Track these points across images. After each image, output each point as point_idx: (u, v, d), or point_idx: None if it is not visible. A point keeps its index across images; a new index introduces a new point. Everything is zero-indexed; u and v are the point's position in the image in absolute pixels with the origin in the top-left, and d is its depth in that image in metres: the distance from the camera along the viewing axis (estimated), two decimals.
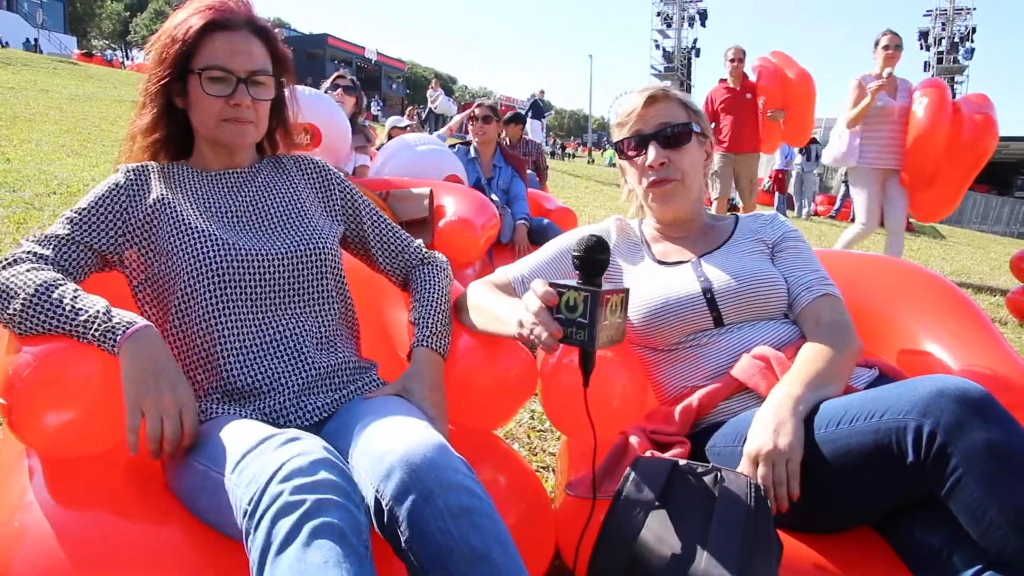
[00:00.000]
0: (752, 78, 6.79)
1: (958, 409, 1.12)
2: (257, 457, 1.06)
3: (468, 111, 4.80)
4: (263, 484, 1.00)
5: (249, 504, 1.00)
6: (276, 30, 1.51)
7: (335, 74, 4.76)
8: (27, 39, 31.31)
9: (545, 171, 6.87)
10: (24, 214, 4.37)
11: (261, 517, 0.97)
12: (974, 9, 49.57)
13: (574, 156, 30.34)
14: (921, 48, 52.15)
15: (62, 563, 1.05)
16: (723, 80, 6.77)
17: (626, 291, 1.23)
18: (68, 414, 1.16)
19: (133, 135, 1.49)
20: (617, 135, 1.69)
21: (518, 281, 1.68)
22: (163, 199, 1.41)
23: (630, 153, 1.66)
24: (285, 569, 0.92)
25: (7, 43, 24.79)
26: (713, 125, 6.59)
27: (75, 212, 1.37)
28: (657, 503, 1.22)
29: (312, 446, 1.07)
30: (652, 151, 1.61)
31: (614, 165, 27.93)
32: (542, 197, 5.20)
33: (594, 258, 1.18)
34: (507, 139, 6.24)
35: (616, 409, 1.54)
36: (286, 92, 1.56)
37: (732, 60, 6.68)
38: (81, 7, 59.46)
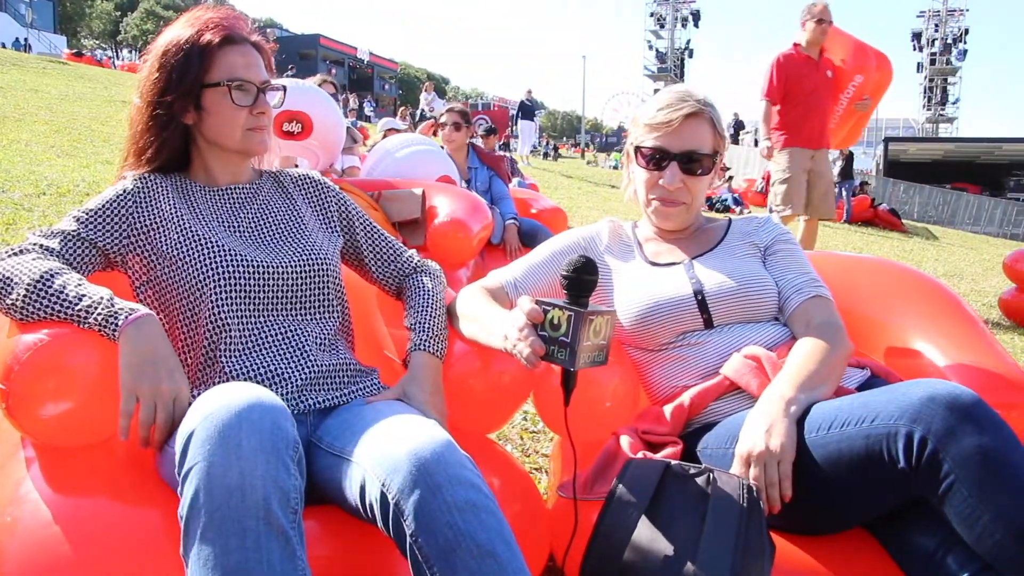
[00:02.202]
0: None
1: (949, 415, 1.12)
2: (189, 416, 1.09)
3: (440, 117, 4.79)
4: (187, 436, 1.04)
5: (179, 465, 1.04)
6: (268, 30, 1.53)
7: (319, 78, 4.75)
8: (17, 39, 31.15)
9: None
10: (13, 215, 4.34)
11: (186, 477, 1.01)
12: (967, 10, 49.92)
13: (560, 156, 30.08)
14: (914, 49, 52.58)
15: (55, 554, 1.06)
16: (797, 45, 4.94)
17: (612, 313, 1.23)
18: (66, 402, 1.17)
19: (138, 151, 1.49)
20: (640, 137, 1.63)
21: (510, 285, 1.67)
22: (171, 209, 1.44)
23: (648, 163, 1.62)
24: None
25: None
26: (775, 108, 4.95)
27: (82, 212, 1.40)
28: (650, 505, 1.22)
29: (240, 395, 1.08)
30: (671, 174, 1.59)
31: (618, 167, 27.91)
32: (532, 197, 5.19)
33: (582, 279, 1.19)
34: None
35: (608, 409, 1.54)
36: None
37: (818, 20, 4.81)
38: (71, 7, 59.18)
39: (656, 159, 1.61)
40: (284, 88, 1.53)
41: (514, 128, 21.12)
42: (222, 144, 1.48)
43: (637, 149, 1.65)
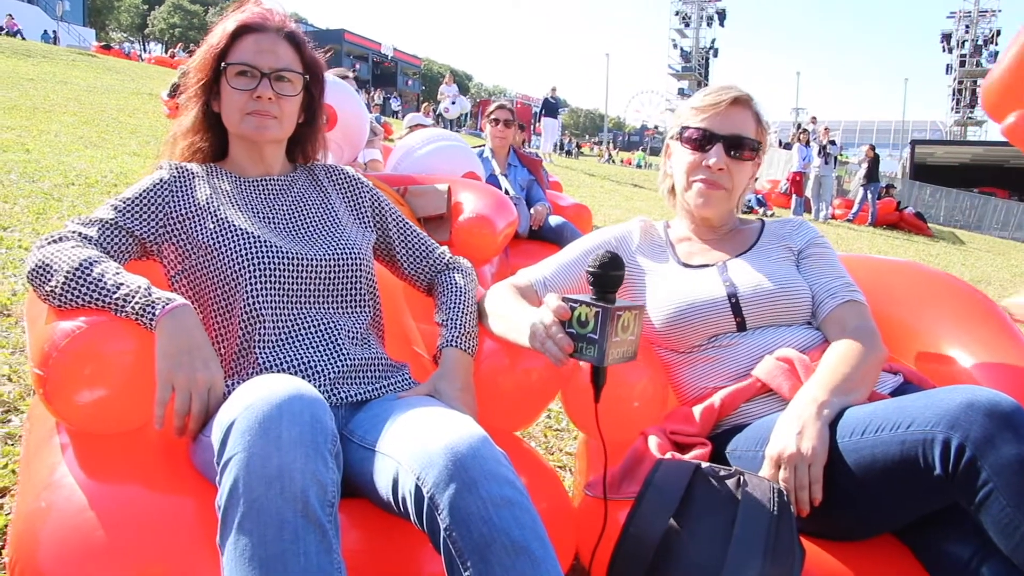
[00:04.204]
0: None
1: (988, 423, 1.09)
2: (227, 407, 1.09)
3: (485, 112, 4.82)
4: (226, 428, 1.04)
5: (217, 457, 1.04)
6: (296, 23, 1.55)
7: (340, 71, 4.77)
8: (45, 31, 31.55)
9: None
10: (43, 205, 4.40)
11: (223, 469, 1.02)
12: (999, 11, 49.08)
13: (582, 154, 29.84)
14: (944, 51, 51.95)
15: (89, 539, 1.07)
16: None
17: (640, 308, 1.23)
18: (102, 389, 1.19)
19: (175, 137, 1.56)
20: (687, 120, 1.65)
21: (540, 283, 1.67)
22: (206, 198, 1.46)
23: (693, 145, 1.63)
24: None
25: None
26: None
27: (119, 200, 1.42)
28: (679, 507, 1.21)
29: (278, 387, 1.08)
30: (715, 155, 1.59)
31: (641, 166, 27.81)
32: (555, 195, 5.19)
33: (608, 275, 1.19)
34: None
35: (636, 409, 1.53)
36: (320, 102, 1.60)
37: None
38: (100, 0, 59.90)
39: (702, 140, 1.61)
40: (306, 77, 1.53)
41: (535, 125, 21.09)
42: (231, 129, 1.52)
43: (682, 131, 1.65)
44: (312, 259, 1.44)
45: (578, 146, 32.95)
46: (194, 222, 1.43)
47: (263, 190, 1.53)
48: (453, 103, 18.64)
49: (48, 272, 1.25)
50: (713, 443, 1.48)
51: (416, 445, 1.11)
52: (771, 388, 1.46)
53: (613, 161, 29.09)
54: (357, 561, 1.13)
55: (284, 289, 1.40)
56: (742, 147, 1.60)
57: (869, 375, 1.41)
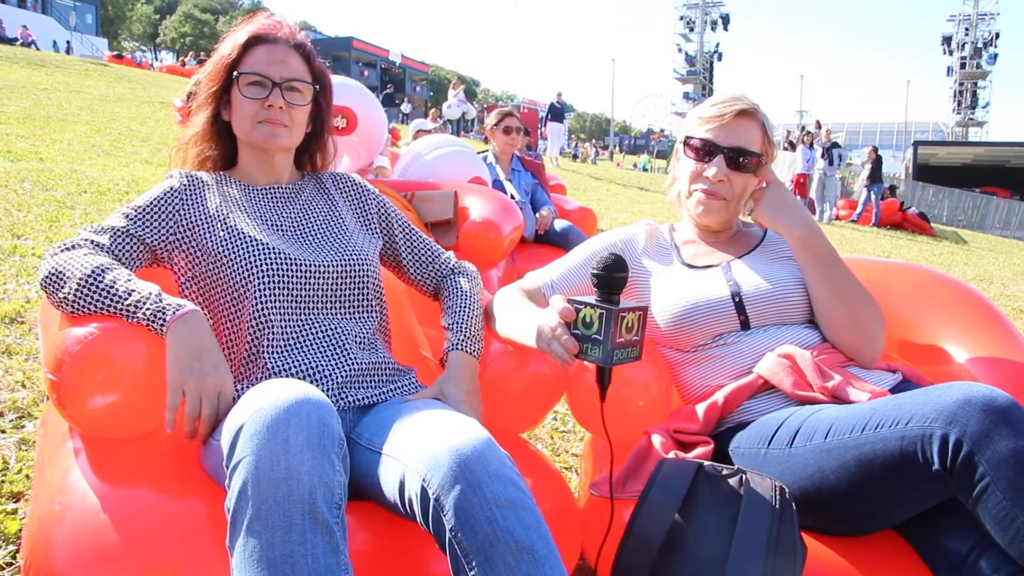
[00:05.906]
0: None
1: (984, 418, 1.11)
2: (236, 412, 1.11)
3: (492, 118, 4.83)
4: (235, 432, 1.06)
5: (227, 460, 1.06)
6: (303, 32, 1.58)
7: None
8: (55, 41, 31.80)
9: None
10: (56, 212, 4.44)
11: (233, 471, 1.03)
12: (997, 15, 49.12)
13: (577, 158, 29.63)
14: (945, 53, 52.03)
15: (102, 542, 1.08)
16: None
17: (644, 309, 1.24)
18: (114, 394, 1.20)
19: (184, 144, 1.58)
20: (691, 129, 1.67)
21: (548, 287, 1.69)
22: (216, 206, 1.48)
23: (696, 155, 1.65)
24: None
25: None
26: None
27: (131, 208, 1.45)
28: (682, 505, 1.23)
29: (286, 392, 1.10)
30: (715, 167, 1.61)
31: (647, 170, 27.78)
32: (560, 199, 5.21)
33: (612, 276, 1.21)
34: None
35: (641, 409, 1.55)
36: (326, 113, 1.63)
37: None
38: (113, 10, 60.41)
39: (704, 151, 1.63)
40: (316, 87, 1.56)
41: (542, 130, 21.14)
42: (242, 138, 1.54)
43: (687, 141, 1.67)
44: (320, 265, 1.46)
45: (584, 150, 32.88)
46: (204, 229, 1.45)
47: (272, 198, 1.55)
48: (451, 107, 18.64)
49: (61, 279, 1.28)
50: (716, 441, 1.49)
51: (422, 448, 1.12)
52: (773, 384, 1.48)
53: (600, 157, 28.92)
54: (364, 562, 1.14)
55: (292, 295, 1.43)
56: (744, 159, 1.61)
57: (854, 279, 1.55)
